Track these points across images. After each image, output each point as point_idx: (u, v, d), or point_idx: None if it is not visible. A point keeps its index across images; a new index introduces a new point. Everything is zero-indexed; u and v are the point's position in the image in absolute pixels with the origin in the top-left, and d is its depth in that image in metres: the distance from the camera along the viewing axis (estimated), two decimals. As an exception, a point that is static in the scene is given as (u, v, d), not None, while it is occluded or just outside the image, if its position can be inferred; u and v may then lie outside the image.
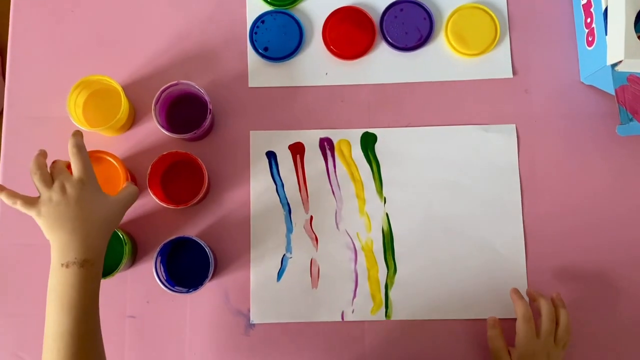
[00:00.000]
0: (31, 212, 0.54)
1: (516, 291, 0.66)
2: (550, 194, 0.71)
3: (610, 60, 0.65)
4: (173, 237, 0.65)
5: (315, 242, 0.70)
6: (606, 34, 0.66)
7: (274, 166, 0.72)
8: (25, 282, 0.69)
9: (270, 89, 0.73)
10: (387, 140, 0.72)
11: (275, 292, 0.69)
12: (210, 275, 0.64)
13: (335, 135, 0.72)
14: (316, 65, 0.73)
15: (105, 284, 0.66)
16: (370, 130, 0.72)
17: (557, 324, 0.63)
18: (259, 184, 0.71)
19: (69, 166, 0.58)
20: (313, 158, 0.72)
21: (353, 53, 0.73)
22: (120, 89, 0.67)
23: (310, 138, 0.72)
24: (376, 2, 0.74)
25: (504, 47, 0.73)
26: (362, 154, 0.72)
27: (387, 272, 0.70)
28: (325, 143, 0.72)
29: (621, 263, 0.69)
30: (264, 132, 0.72)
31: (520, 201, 0.70)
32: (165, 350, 0.69)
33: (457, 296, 0.69)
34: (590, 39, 0.70)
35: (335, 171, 0.72)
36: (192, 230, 0.70)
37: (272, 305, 0.69)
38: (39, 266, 0.69)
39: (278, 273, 0.70)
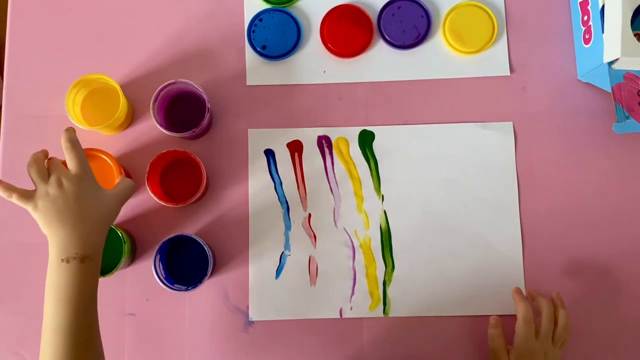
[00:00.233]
0: (27, 206, 0.54)
1: (518, 291, 0.66)
2: (547, 191, 0.71)
3: (607, 58, 0.65)
4: (172, 235, 0.65)
5: (313, 240, 0.71)
6: (603, 32, 0.66)
7: (272, 164, 0.72)
8: (26, 280, 0.69)
9: (268, 87, 0.73)
10: (385, 138, 0.72)
11: (273, 289, 0.70)
12: (209, 273, 0.65)
13: (333, 133, 0.72)
14: (314, 63, 0.73)
15: (105, 282, 0.66)
16: (368, 128, 0.72)
17: (555, 323, 0.64)
18: (258, 182, 0.71)
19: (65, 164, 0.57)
20: (311, 156, 0.72)
21: (351, 51, 0.73)
22: (118, 87, 0.67)
23: (308, 136, 0.72)
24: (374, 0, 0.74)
25: (502, 45, 0.73)
26: (360, 151, 0.72)
27: (385, 269, 0.70)
28: (324, 141, 0.72)
29: (618, 259, 0.70)
30: (262, 130, 0.72)
31: (517, 198, 0.71)
32: (164, 347, 0.69)
33: (454, 293, 0.70)
34: (587, 36, 0.70)
35: (333, 169, 0.72)
36: (190, 229, 0.70)
37: (271, 303, 0.69)
38: (39, 264, 0.69)
39: (277, 270, 0.70)
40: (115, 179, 0.65)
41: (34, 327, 0.68)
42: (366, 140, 0.72)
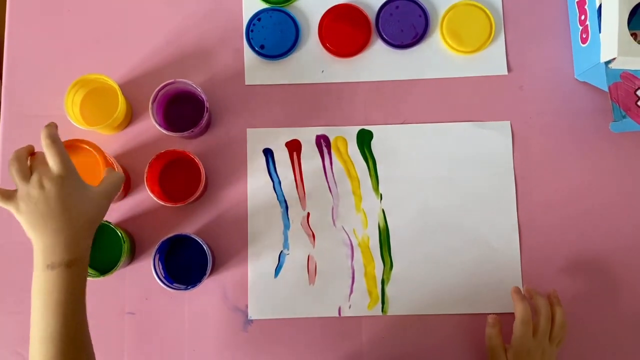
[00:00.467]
0: (9, 207, 0.51)
1: (517, 291, 0.65)
2: (544, 189, 0.71)
3: (603, 58, 0.65)
4: (171, 234, 0.66)
5: (312, 239, 0.71)
6: (600, 31, 0.66)
7: (270, 163, 0.72)
8: (25, 280, 0.68)
9: (266, 86, 0.73)
10: (383, 137, 0.72)
11: (272, 288, 0.70)
12: (208, 272, 0.65)
13: (331, 132, 0.73)
14: (312, 62, 0.74)
15: (104, 281, 0.67)
16: (367, 127, 0.73)
17: (552, 322, 0.64)
18: (256, 181, 0.72)
19: None
20: (310, 155, 0.72)
21: (349, 51, 0.73)
22: (117, 87, 0.67)
23: (307, 135, 0.72)
24: (372, -1, 0.74)
25: (499, 44, 0.74)
26: (358, 151, 0.72)
27: (384, 268, 0.70)
28: (322, 140, 0.73)
29: (615, 256, 0.70)
30: (260, 129, 0.72)
31: (514, 197, 0.71)
32: (164, 346, 0.69)
33: (452, 291, 0.70)
34: (584, 36, 0.70)
35: (331, 168, 0.72)
36: (190, 228, 0.71)
37: (270, 302, 0.70)
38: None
39: (275, 269, 0.70)
40: (102, 171, 0.62)
41: (34, 327, 0.69)
42: (364, 139, 0.72)
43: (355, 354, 0.69)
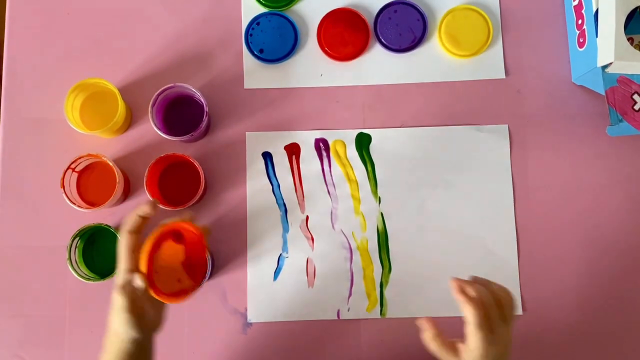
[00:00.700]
0: (117, 285, 0.53)
1: (459, 290, 0.56)
2: (542, 192, 0.72)
3: (600, 62, 0.66)
4: (171, 238, 0.66)
5: (311, 242, 0.71)
6: (597, 36, 0.66)
7: (270, 167, 0.72)
8: (26, 283, 0.70)
9: (265, 90, 0.74)
10: (382, 140, 0.73)
11: (272, 291, 0.70)
12: (207, 275, 0.65)
13: (330, 135, 0.73)
14: (311, 66, 0.74)
15: (105, 285, 0.67)
16: (365, 130, 0.73)
17: (500, 306, 0.55)
18: (255, 185, 0.72)
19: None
20: (309, 158, 0.73)
21: (348, 54, 0.73)
22: (117, 91, 0.68)
23: (306, 139, 0.73)
24: (370, 3, 0.75)
25: (497, 48, 0.74)
26: (357, 154, 0.73)
27: (382, 271, 0.71)
28: (321, 143, 0.73)
29: (614, 259, 0.71)
30: (259, 133, 0.73)
31: (512, 200, 0.72)
32: (163, 349, 0.69)
33: (450, 294, 0.70)
34: (581, 40, 0.71)
35: (330, 171, 0.73)
36: (189, 231, 0.71)
37: (269, 305, 0.70)
38: (39, 268, 0.70)
39: (275, 272, 0.71)
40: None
41: (34, 330, 0.69)
42: (363, 142, 0.73)
43: (354, 357, 0.69)
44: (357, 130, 0.73)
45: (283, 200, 0.72)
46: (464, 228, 0.71)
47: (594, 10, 0.67)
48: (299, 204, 0.72)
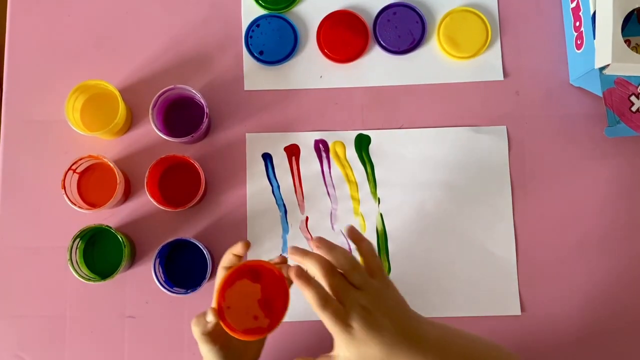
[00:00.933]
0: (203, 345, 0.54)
1: (300, 273, 0.49)
2: (540, 193, 0.72)
3: (598, 64, 0.66)
4: (171, 239, 0.66)
5: (311, 243, 0.71)
6: (594, 38, 0.67)
7: (269, 168, 0.73)
8: (27, 284, 0.70)
9: (265, 92, 0.74)
10: (381, 141, 0.73)
11: (272, 291, 0.70)
12: (208, 276, 0.66)
13: (329, 137, 0.73)
14: (311, 68, 0.74)
15: (105, 286, 0.67)
16: (364, 132, 0.73)
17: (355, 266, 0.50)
18: (255, 186, 0.72)
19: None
20: (308, 160, 0.73)
21: (347, 56, 0.74)
22: (117, 93, 0.68)
23: (306, 140, 0.73)
24: (369, 6, 0.75)
25: (495, 50, 0.74)
26: (356, 155, 0.73)
27: (382, 272, 0.71)
28: (320, 145, 0.73)
29: (612, 260, 0.71)
30: (259, 134, 0.73)
31: (511, 201, 0.72)
32: (164, 349, 0.70)
33: (449, 295, 0.71)
34: (579, 42, 0.71)
35: (330, 172, 0.73)
36: (189, 232, 0.71)
37: (269, 305, 0.70)
38: (40, 268, 0.70)
39: (274, 273, 0.71)
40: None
41: (34, 330, 0.69)
42: (362, 144, 0.73)
43: (353, 357, 0.69)
44: (356, 131, 0.73)
45: (283, 201, 0.72)
46: (463, 229, 0.72)
47: (592, 12, 0.67)
48: (298, 204, 0.72)
